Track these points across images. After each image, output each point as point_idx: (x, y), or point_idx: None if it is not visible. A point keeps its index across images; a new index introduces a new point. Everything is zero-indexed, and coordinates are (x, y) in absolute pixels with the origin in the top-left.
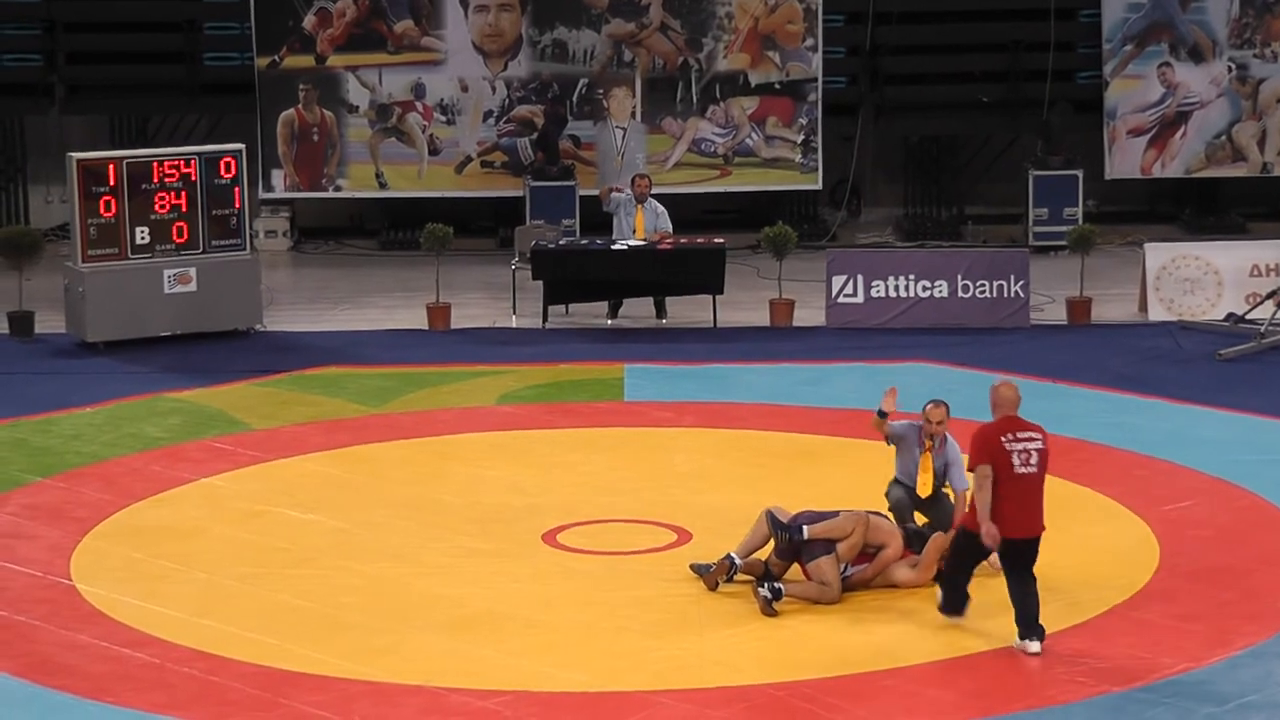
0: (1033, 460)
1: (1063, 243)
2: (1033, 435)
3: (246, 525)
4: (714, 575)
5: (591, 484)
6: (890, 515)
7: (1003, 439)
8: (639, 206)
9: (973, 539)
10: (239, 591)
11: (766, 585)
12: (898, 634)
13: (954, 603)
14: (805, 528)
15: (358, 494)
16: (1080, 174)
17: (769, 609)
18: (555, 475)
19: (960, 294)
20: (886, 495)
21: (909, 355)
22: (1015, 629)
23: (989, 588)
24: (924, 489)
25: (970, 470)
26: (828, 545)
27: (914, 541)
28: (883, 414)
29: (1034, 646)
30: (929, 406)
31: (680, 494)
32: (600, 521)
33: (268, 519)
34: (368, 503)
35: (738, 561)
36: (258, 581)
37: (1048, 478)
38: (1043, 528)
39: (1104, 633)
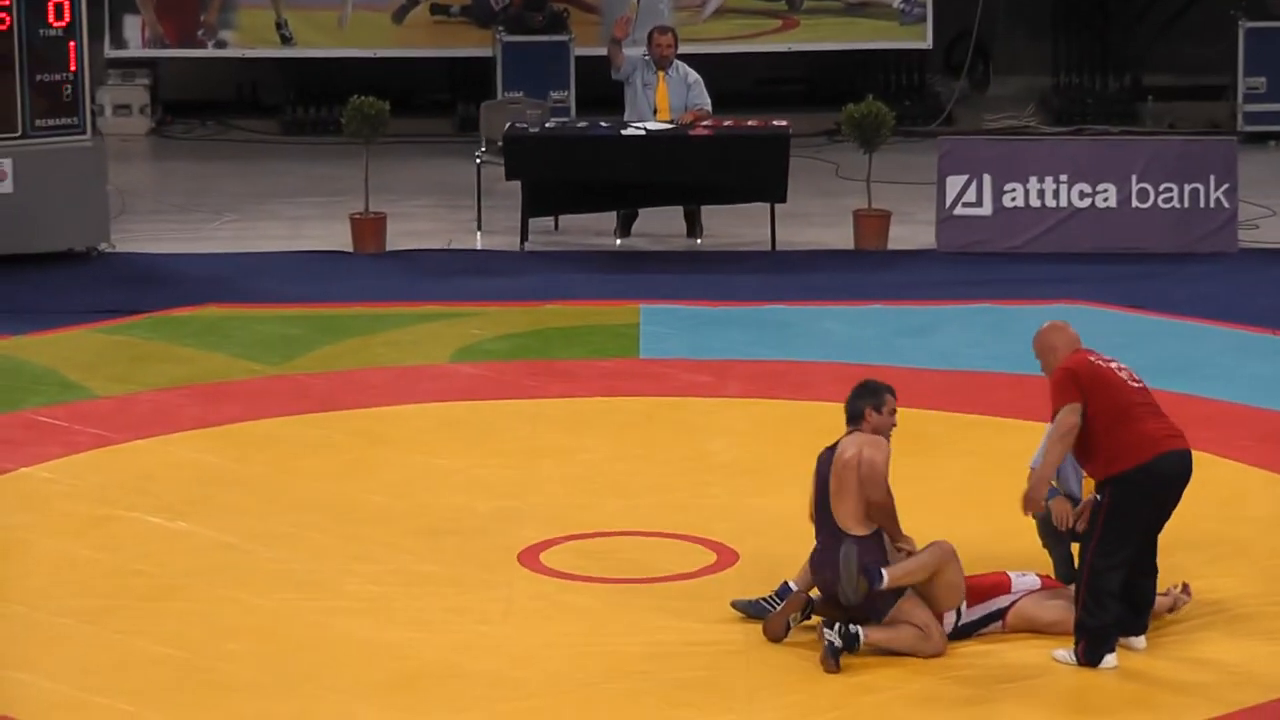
0: (1136, 378)
1: None
2: (1117, 361)
3: (87, 537)
4: (781, 616)
5: (591, 480)
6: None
7: (1091, 358)
8: (660, 74)
9: (1131, 491)
10: (75, 634)
11: (838, 627)
12: (1037, 702)
13: (1103, 636)
14: (884, 572)
15: (250, 493)
16: None
17: (832, 662)
18: (538, 467)
19: (1135, 203)
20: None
21: (1058, 293)
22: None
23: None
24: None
25: (1053, 417)
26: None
27: (1064, 568)
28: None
29: (1110, 660)
30: None
31: (720, 495)
32: (603, 535)
33: (118, 528)
34: (265, 506)
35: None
36: (103, 619)
37: (1229, 466)
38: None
39: None
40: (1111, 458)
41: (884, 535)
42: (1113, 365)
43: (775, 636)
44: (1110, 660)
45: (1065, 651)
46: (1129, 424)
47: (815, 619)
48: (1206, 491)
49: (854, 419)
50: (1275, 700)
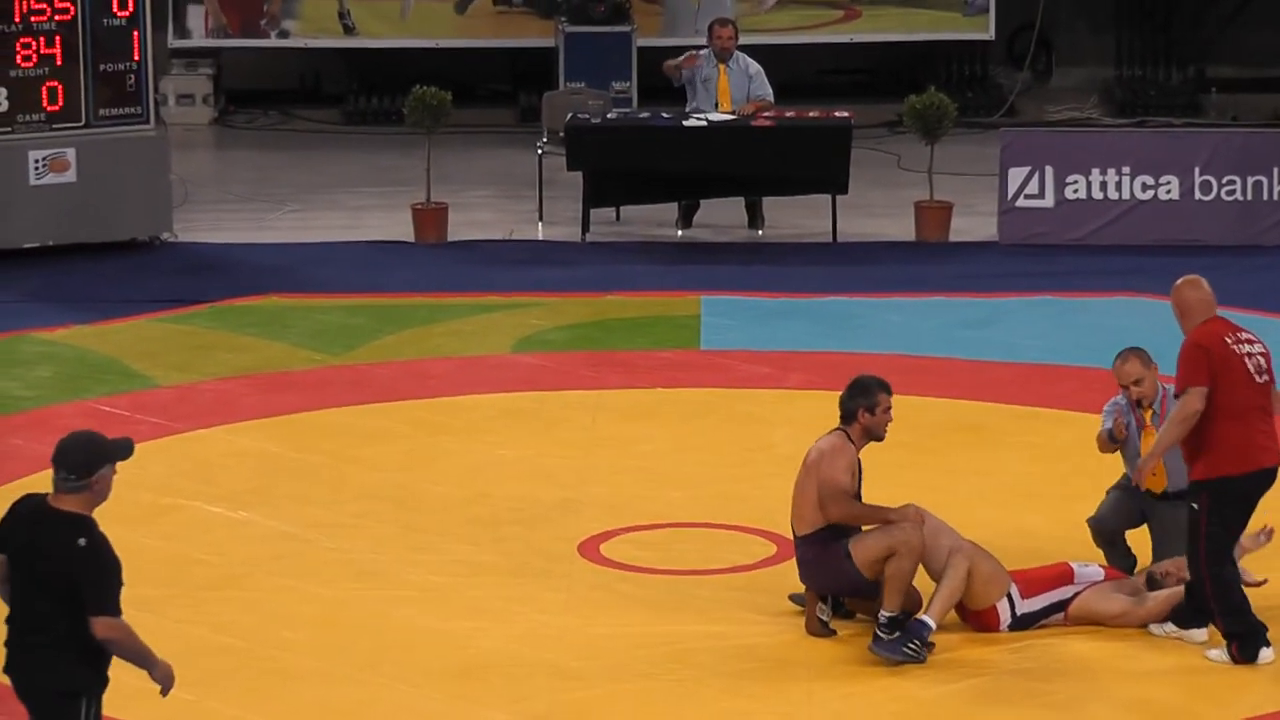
0: (1265, 368)
1: None
2: (1254, 339)
3: (149, 525)
4: (811, 614)
5: (652, 471)
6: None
7: (1227, 339)
8: (721, 66)
9: (1232, 495)
10: (135, 623)
11: (880, 624)
12: (1100, 696)
13: (1253, 632)
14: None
15: (311, 482)
16: None
17: (900, 651)
18: (599, 458)
19: (1198, 195)
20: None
21: (1119, 285)
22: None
23: None
24: (1155, 481)
25: (1178, 393)
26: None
27: (1121, 562)
28: (1114, 439)
29: (1267, 654)
30: (1116, 364)
31: (781, 487)
32: (665, 526)
33: (180, 517)
34: (326, 495)
35: None
36: (164, 608)
37: None
38: None
39: None
40: (1216, 459)
41: (836, 527)
42: (1246, 351)
43: (817, 633)
44: (1267, 655)
45: (1219, 651)
46: (1239, 426)
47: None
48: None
49: (847, 418)
50: None
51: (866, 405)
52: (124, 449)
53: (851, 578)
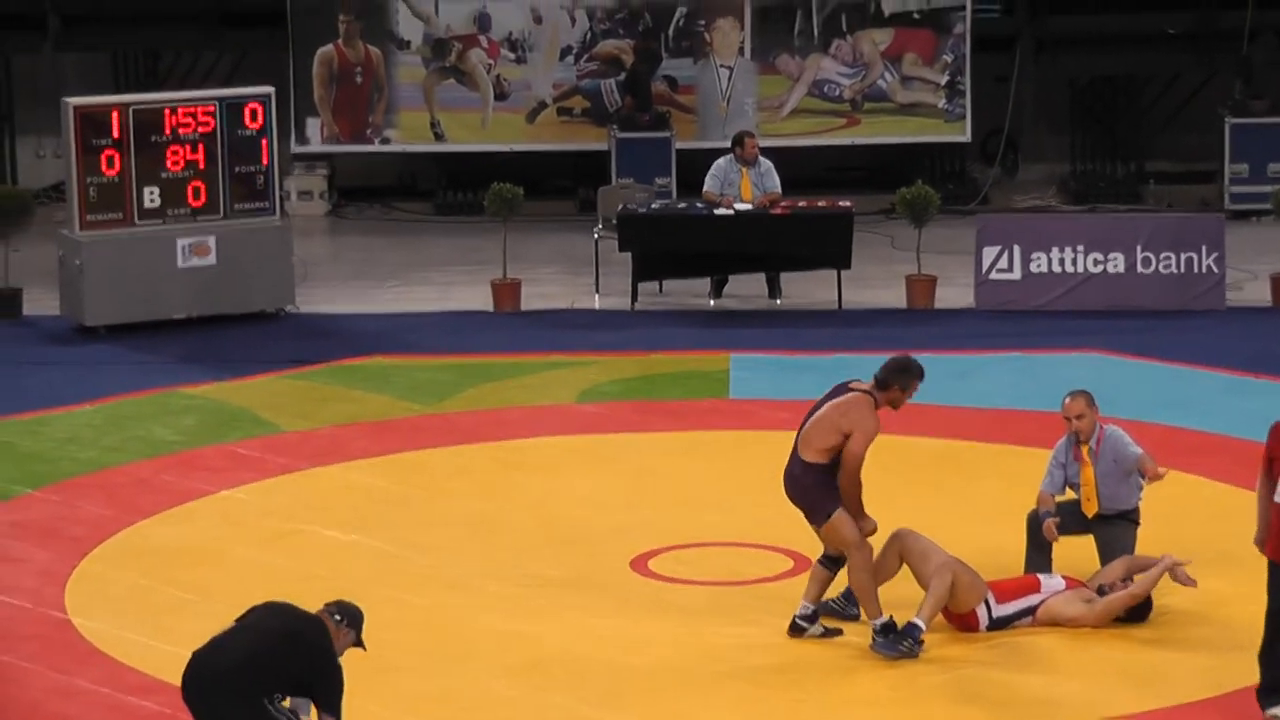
0: None
1: (1266, 206)
2: None
3: (275, 547)
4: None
5: (690, 499)
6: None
7: None
8: (744, 170)
9: None
10: None
11: (877, 627)
12: (1082, 684)
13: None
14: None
15: (408, 510)
16: None
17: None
18: (647, 488)
19: (1139, 269)
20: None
21: (1076, 343)
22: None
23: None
24: (1088, 505)
25: None
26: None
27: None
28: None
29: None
30: (1065, 401)
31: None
32: (701, 545)
33: (300, 540)
34: (420, 521)
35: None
36: None
37: (1217, 487)
38: None
39: None
40: None
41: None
42: None
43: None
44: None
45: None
46: None
47: (829, 621)
48: (1198, 509)
49: (881, 387)
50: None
51: (901, 384)
52: (358, 637)
53: (819, 515)
